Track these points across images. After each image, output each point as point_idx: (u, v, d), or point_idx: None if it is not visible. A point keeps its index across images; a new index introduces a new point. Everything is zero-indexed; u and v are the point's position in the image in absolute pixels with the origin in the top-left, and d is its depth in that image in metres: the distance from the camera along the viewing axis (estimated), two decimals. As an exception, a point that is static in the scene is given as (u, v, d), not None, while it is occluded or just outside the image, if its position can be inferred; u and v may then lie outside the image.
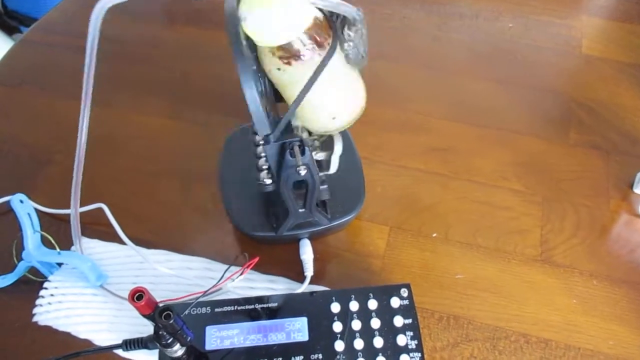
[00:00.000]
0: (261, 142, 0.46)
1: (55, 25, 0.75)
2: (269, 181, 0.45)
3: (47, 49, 0.72)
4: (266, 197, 0.50)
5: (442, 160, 0.59)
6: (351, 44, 0.40)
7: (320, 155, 0.46)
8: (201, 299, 0.42)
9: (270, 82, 0.41)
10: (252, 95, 0.36)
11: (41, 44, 0.73)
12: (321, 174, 0.47)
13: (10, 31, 1.41)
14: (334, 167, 0.46)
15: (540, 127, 0.62)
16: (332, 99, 0.42)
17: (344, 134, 0.57)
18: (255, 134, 0.48)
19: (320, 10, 0.38)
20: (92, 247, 0.52)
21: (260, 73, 0.41)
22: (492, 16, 0.75)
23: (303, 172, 0.39)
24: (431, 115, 0.63)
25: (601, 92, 0.66)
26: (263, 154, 0.46)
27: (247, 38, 0.37)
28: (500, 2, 0.77)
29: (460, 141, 0.61)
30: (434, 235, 0.54)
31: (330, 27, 0.39)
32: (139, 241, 0.52)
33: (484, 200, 0.56)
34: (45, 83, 0.68)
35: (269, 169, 0.45)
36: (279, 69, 0.39)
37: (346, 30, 0.39)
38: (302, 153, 0.39)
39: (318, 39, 0.38)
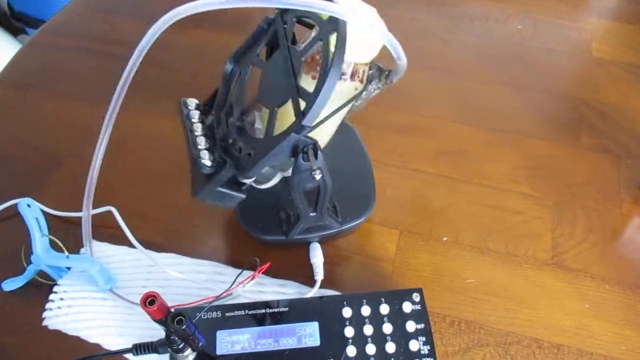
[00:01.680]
0: (197, 120, 0.45)
1: (64, 27, 0.75)
2: (208, 162, 0.42)
3: (55, 51, 0.72)
4: (276, 201, 0.50)
5: (452, 164, 0.59)
6: (365, 95, 0.43)
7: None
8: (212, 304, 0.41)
9: None
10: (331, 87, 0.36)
11: (49, 46, 0.73)
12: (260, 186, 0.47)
13: (15, 33, 1.41)
14: (270, 184, 0.47)
15: (551, 131, 0.62)
16: (320, 130, 0.42)
17: (351, 141, 0.58)
18: (188, 108, 0.46)
19: None
20: (102, 251, 0.51)
21: None
22: (502, 18, 0.74)
23: (318, 176, 0.38)
24: (441, 118, 0.63)
25: (612, 95, 0.66)
26: (199, 131, 0.44)
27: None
28: (509, 5, 0.76)
29: (471, 144, 0.61)
30: (445, 239, 0.53)
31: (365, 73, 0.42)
32: (149, 244, 0.51)
33: (494, 204, 0.56)
34: (53, 85, 0.68)
35: (209, 149, 0.43)
36: (312, 78, 0.41)
37: (372, 83, 0.43)
38: (316, 157, 0.38)
39: (357, 75, 0.41)
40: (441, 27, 0.73)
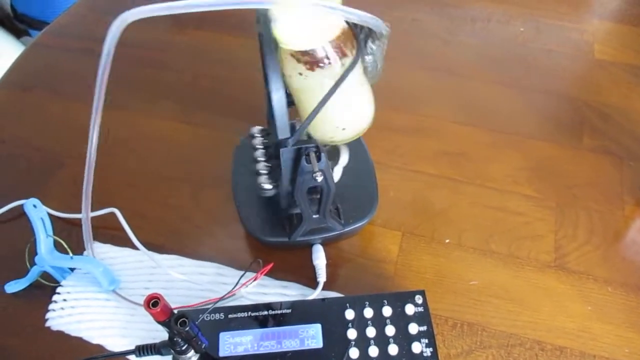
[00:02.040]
0: (259, 146, 0.46)
1: (67, 28, 0.75)
2: (269, 186, 0.45)
3: (58, 52, 0.72)
4: (279, 203, 0.50)
5: (454, 165, 0.59)
6: (372, 57, 0.41)
7: None
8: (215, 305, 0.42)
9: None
10: (280, 97, 0.36)
11: (53, 48, 0.73)
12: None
13: (18, 34, 1.42)
14: (336, 177, 0.46)
15: (553, 132, 0.62)
16: (344, 110, 0.42)
17: (353, 142, 0.57)
18: (253, 137, 0.48)
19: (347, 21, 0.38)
20: (105, 252, 0.52)
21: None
22: (504, 20, 0.75)
23: (319, 178, 0.38)
24: (443, 120, 0.63)
25: (614, 97, 0.66)
26: (261, 158, 0.46)
27: (273, 42, 0.37)
28: (512, 6, 0.76)
29: (473, 146, 0.61)
30: (447, 241, 0.53)
31: (355, 38, 0.39)
32: (151, 246, 0.52)
33: (496, 205, 0.56)
34: (57, 86, 0.68)
35: (268, 173, 0.45)
36: (300, 74, 0.39)
37: (369, 44, 0.40)
38: (318, 159, 0.38)
39: (343, 49, 0.39)
40: (443, 28, 0.74)
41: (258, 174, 0.45)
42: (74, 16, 0.76)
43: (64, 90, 0.68)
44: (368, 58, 0.40)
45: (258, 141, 0.47)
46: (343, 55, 0.38)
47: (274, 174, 0.45)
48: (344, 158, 0.46)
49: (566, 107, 0.65)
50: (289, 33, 0.36)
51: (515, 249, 0.53)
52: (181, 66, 0.69)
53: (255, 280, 0.45)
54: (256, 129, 0.48)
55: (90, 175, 0.46)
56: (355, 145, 0.57)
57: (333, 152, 0.47)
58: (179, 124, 0.63)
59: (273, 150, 0.45)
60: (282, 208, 0.48)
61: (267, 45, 0.35)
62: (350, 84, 0.40)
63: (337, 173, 0.47)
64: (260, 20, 0.36)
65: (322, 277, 0.49)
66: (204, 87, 0.67)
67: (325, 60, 0.38)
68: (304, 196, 0.42)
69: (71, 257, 0.49)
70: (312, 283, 0.50)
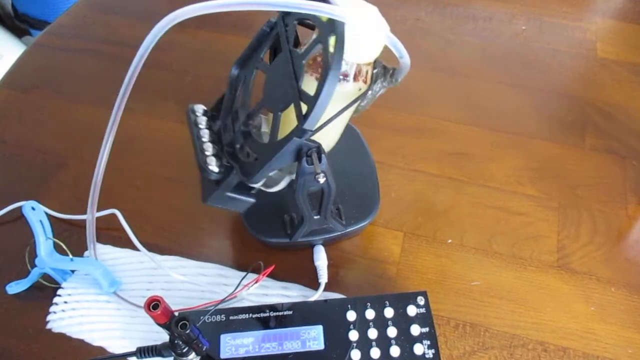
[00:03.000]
0: (203, 126, 0.45)
1: (68, 29, 0.75)
2: (215, 169, 0.42)
3: (60, 52, 0.72)
4: (280, 203, 0.50)
5: (456, 165, 0.59)
6: (371, 95, 0.43)
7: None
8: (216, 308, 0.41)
9: None
10: (332, 87, 0.36)
11: (54, 48, 0.73)
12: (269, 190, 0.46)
13: (20, 34, 1.42)
14: (279, 187, 0.46)
15: (555, 132, 0.62)
16: (326, 131, 0.41)
17: (354, 142, 0.57)
18: (195, 114, 0.46)
19: None
20: (105, 253, 0.51)
21: None
22: (506, 18, 0.74)
23: (322, 179, 0.38)
24: (445, 119, 0.63)
25: (617, 96, 0.65)
26: (207, 137, 0.44)
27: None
28: (514, 5, 0.76)
29: (475, 145, 0.60)
30: (449, 241, 0.53)
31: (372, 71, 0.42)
32: (152, 247, 0.52)
33: (499, 205, 0.56)
34: (58, 87, 0.68)
35: (215, 155, 0.42)
36: (315, 79, 0.40)
37: (378, 82, 0.42)
38: (320, 160, 0.38)
39: (359, 73, 0.41)
40: (445, 28, 0.73)
41: (204, 155, 0.42)
42: (74, 16, 0.76)
43: (65, 91, 0.68)
44: (369, 93, 0.42)
45: (202, 121, 0.45)
46: (356, 79, 0.41)
47: (220, 157, 0.43)
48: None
49: (569, 106, 0.64)
50: (354, 44, 0.38)
51: (518, 250, 0.53)
52: (183, 67, 0.69)
53: (256, 282, 0.45)
54: (199, 108, 0.46)
55: (99, 177, 0.46)
56: (357, 145, 0.57)
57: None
58: (180, 125, 0.62)
59: (219, 135, 0.44)
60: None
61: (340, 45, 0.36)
62: (347, 111, 0.41)
63: (282, 184, 0.46)
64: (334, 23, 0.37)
65: (323, 278, 0.49)
66: (205, 88, 0.67)
67: (346, 77, 0.40)
68: (305, 198, 0.42)
69: (71, 259, 0.49)
70: (314, 284, 0.50)
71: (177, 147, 0.61)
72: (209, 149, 0.43)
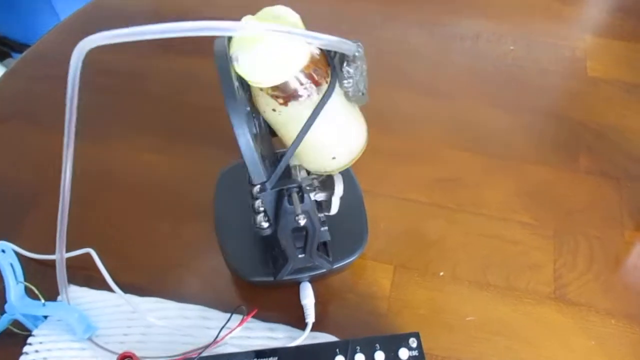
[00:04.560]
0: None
1: (45, 55, 0.73)
2: (266, 224, 0.42)
3: (36, 80, 0.70)
4: (264, 240, 0.48)
5: (447, 192, 0.57)
6: (351, 81, 0.37)
7: (319, 196, 0.43)
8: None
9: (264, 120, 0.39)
10: (246, 141, 0.33)
11: (30, 76, 0.70)
12: (320, 214, 0.44)
13: (1, 57, 1.39)
14: (334, 209, 0.43)
15: (548, 154, 0.60)
16: (331, 139, 0.39)
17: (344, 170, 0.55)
18: None
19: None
20: (81, 297, 0.49)
21: (255, 113, 0.38)
22: (494, 38, 0.73)
23: (302, 221, 0.36)
24: (434, 144, 0.61)
25: (609, 116, 0.64)
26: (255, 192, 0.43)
27: (240, 77, 0.35)
28: (501, 24, 0.75)
29: (466, 171, 0.59)
30: (441, 273, 0.51)
31: (329, 64, 0.37)
32: (131, 287, 0.49)
33: (492, 234, 0.54)
34: (34, 116, 0.66)
35: (265, 211, 0.42)
36: (274, 110, 0.36)
37: (345, 67, 0.37)
38: (301, 200, 0.36)
39: (316, 77, 0.36)
40: (431, 48, 0.72)
41: (256, 212, 0.42)
42: (53, 41, 0.74)
43: (42, 120, 0.65)
44: (346, 82, 0.37)
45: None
46: (317, 84, 0.36)
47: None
48: (339, 188, 0.44)
49: (560, 127, 0.63)
50: (253, 69, 0.33)
51: (513, 280, 0.51)
52: (165, 93, 0.67)
53: (240, 325, 0.43)
54: None
55: (65, 217, 0.43)
56: (342, 173, 0.55)
57: (328, 182, 0.44)
58: (160, 155, 0.61)
59: None
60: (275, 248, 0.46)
61: (225, 83, 0.32)
62: (332, 111, 0.37)
63: (334, 205, 0.44)
64: (218, 55, 0.34)
65: (310, 318, 0.47)
66: (186, 115, 0.64)
67: (299, 93, 0.35)
68: (288, 237, 0.40)
69: (43, 304, 0.46)
70: (301, 323, 0.47)
71: (156, 179, 0.59)
72: (258, 205, 0.42)
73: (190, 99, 0.66)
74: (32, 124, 0.65)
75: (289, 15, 0.36)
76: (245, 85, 0.37)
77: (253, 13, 0.35)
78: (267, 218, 0.42)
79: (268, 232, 0.42)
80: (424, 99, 0.66)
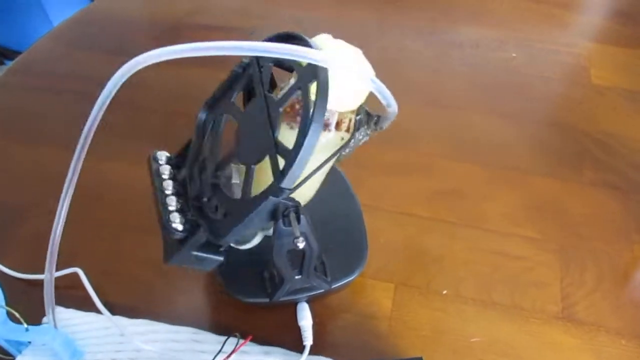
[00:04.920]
0: (167, 176, 0.41)
1: (32, 66, 0.71)
2: (180, 227, 0.37)
3: (24, 92, 0.68)
4: (259, 259, 0.46)
5: (448, 206, 0.55)
6: (354, 144, 0.39)
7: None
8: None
9: None
10: (314, 141, 0.32)
11: (18, 88, 0.68)
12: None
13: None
14: (252, 244, 0.41)
15: (552, 166, 0.58)
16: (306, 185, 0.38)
17: (338, 184, 0.53)
18: (158, 162, 0.42)
19: None
20: (67, 319, 0.47)
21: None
22: (494, 45, 0.71)
23: (301, 244, 0.34)
24: (434, 156, 0.59)
25: (614, 125, 0.62)
26: (170, 189, 0.40)
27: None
28: (502, 30, 0.73)
29: (467, 183, 0.57)
30: (444, 292, 0.49)
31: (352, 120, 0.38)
32: (120, 308, 0.47)
33: (496, 249, 0.52)
34: (20, 130, 0.64)
35: (180, 210, 0.38)
36: (291, 128, 0.36)
37: (361, 129, 0.39)
38: (299, 221, 0.34)
39: (343, 124, 0.37)
40: (431, 56, 0.70)
41: (167, 210, 0.38)
42: (40, 52, 0.72)
43: (27, 134, 0.63)
44: (351, 143, 0.39)
45: (166, 170, 0.41)
46: (338, 128, 0.37)
47: (185, 211, 0.38)
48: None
49: (564, 137, 0.61)
50: (337, 91, 0.34)
51: (519, 299, 0.49)
52: (153, 105, 0.65)
53: (232, 354, 0.41)
54: (162, 155, 0.43)
55: (58, 234, 0.41)
56: (341, 189, 0.53)
57: None
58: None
59: (185, 186, 0.40)
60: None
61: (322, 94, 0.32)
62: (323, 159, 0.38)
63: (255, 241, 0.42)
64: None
65: (308, 340, 0.45)
66: (177, 127, 0.62)
67: (328, 126, 0.37)
68: (284, 259, 0.38)
69: (27, 329, 0.43)
70: (299, 346, 0.45)
71: (148, 193, 0.56)
72: (172, 202, 0.39)
73: (182, 109, 0.64)
74: (16, 138, 0.63)
75: (355, 54, 0.37)
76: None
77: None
78: (183, 218, 0.38)
79: (180, 235, 0.37)
80: (422, 109, 0.64)
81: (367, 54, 0.37)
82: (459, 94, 0.66)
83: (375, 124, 0.39)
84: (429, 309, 0.48)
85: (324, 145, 0.37)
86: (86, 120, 0.36)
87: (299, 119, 0.35)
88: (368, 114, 0.39)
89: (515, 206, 0.55)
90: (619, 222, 0.54)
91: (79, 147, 0.37)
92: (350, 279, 0.47)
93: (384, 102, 0.35)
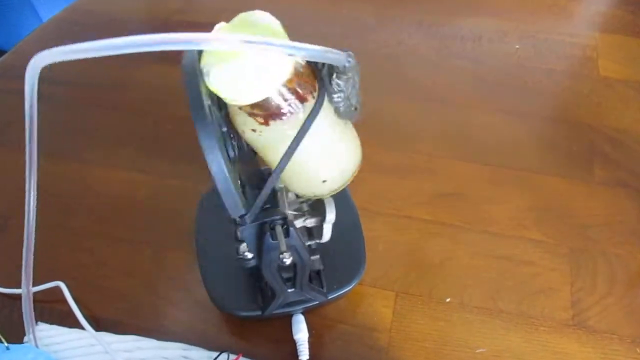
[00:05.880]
0: None
1: (12, 68, 0.68)
2: (250, 255, 0.37)
3: (4, 96, 0.65)
4: (250, 270, 0.43)
5: (451, 208, 0.52)
6: (341, 95, 0.33)
7: (309, 222, 0.39)
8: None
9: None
10: (219, 169, 0.28)
11: (-2, 92, 0.66)
12: (311, 242, 0.40)
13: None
14: (326, 237, 0.38)
15: (560, 164, 0.55)
16: (320, 161, 0.35)
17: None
18: None
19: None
20: (50, 336, 0.44)
21: (233, 133, 0.34)
22: (497, 37, 0.68)
23: (288, 260, 0.31)
24: (436, 156, 0.56)
25: (624, 119, 0.59)
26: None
27: (213, 93, 0.30)
28: (504, 21, 0.70)
29: (471, 184, 0.54)
30: (448, 300, 0.46)
31: (316, 77, 0.32)
32: (106, 323, 0.45)
33: (502, 254, 0.49)
34: (1, 136, 0.61)
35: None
36: (254, 130, 0.32)
37: (335, 80, 0.32)
38: (287, 234, 0.31)
39: (301, 92, 0.31)
40: (431, 50, 0.67)
41: (238, 240, 0.36)
42: (21, 54, 0.69)
43: (7, 139, 0.60)
44: (336, 97, 0.33)
45: None
46: (302, 100, 0.31)
47: None
48: (331, 215, 0.39)
49: (573, 134, 0.58)
50: (227, 84, 0.29)
51: (527, 306, 0.46)
52: (142, 107, 0.62)
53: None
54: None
55: (30, 248, 0.39)
56: (334, 194, 0.51)
57: (318, 206, 0.40)
58: (137, 174, 0.56)
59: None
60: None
61: (194, 102, 0.28)
62: (321, 130, 0.33)
63: (326, 232, 0.40)
64: (186, 70, 0.29)
65: (304, 355, 0.42)
66: (165, 131, 0.60)
67: (282, 110, 0.30)
68: (274, 273, 0.35)
69: (7, 348, 0.41)
70: (294, 360, 0.43)
71: (134, 200, 0.54)
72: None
73: (170, 112, 0.61)
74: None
75: (269, 22, 0.31)
76: (221, 102, 0.32)
77: (236, 16, 0.31)
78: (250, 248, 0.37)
79: (252, 263, 0.37)
80: (423, 105, 0.61)
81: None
82: (461, 89, 0.63)
83: (340, 70, 0.32)
84: (431, 318, 0.46)
85: (294, 128, 0.31)
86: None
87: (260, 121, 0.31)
88: (330, 66, 0.32)
89: (522, 208, 0.52)
90: (631, 223, 0.51)
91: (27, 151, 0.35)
92: (347, 288, 0.44)
93: (306, 56, 0.28)
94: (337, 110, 0.33)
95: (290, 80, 0.30)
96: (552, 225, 0.51)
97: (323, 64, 0.32)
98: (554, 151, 0.57)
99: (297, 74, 0.31)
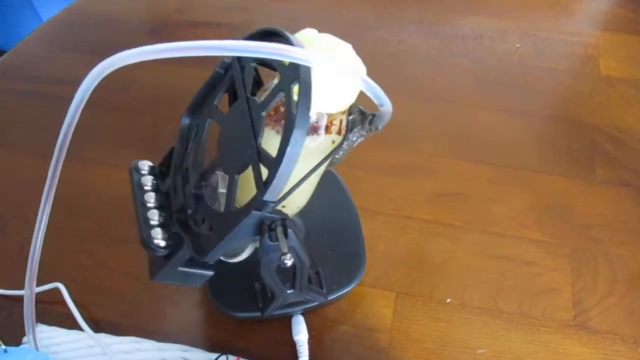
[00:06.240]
0: (149, 188, 0.38)
1: (13, 68, 0.68)
2: (162, 243, 0.34)
3: (4, 95, 0.65)
4: (248, 270, 0.43)
5: (452, 208, 0.52)
6: (347, 147, 0.36)
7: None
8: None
9: None
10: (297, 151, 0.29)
11: (-2, 92, 0.66)
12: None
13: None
14: (241, 258, 0.38)
15: (561, 163, 0.55)
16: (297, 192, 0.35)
17: (333, 188, 0.50)
18: (140, 173, 0.39)
19: None
20: (49, 337, 0.44)
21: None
22: (497, 36, 0.68)
23: (289, 262, 0.31)
24: (436, 155, 0.56)
25: (626, 118, 0.59)
26: (152, 202, 0.37)
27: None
28: (504, 20, 0.70)
29: (472, 184, 0.54)
30: (448, 300, 0.46)
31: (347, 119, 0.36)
32: (106, 324, 0.45)
33: (503, 254, 0.49)
34: (1, 135, 0.61)
35: (163, 225, 0.35)
36: (277, 133, 0.34)
37: (356, 130, 0.36)
38: (286, 235, 0.31)
39: (333, 126, 0.35)
40: (431, 49, 0.67)
41: (148, 225, 0.35)
42: (22, 54, 0.69)
43: (9, 139, 0.60)
44: (344, 145, 0.36)
45: (148, 181, 0.38)
46: (328, 131, 0.34)
47: (168, 225, 0.36)
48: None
49: (574, 133, 0.58)
50: (324, 91, 0.32)
51: (528, 307, 0.46)
52: (142, 108, 0.62)
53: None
54: (145, 165, 0.40)
55: (38, 248, 0.39)
56: (336, 192, 0.51)
57: None
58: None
59: (169, 197, 0.37)
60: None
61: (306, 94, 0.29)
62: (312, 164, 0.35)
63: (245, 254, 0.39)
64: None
65: (304, 356, 0.42)
66: (166, 131, 0.59)
67: (317, 130, 0.34)
68: (273, 274, 0.35)
69: (5, 350, 0.41)
70: (294, 362, 0.42)
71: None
72: (154, 217, 0.36)
73: (170, 112, 0.61)
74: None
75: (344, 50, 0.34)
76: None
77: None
78: (166, 235, 0.35)
79: (163, 252, 0.35)
80: (423, 105, 0.61)
81: (363, 48, 0.34)
82: (461, 88, 0.62)
83: (370, 123, 0.36)
84: (431, 319, 0.45)
85: (313, 150, 0.34)
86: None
87: (283, 123, 0.32)
88: (362, 113, 0.36)
89: (523, 207, 0.52)
90: (633, 222, 0.51)
91: (55, 153, 0.35)
92: (347, 289, 0.44)
93: (376, 101, 0.32)
94: (334, 159, 0.37)
95: (342, 112, 0.34)
96: (553, 225, 0.51)
97: (357, 112, 0.36)
98: (555, 150, 0.56)
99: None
